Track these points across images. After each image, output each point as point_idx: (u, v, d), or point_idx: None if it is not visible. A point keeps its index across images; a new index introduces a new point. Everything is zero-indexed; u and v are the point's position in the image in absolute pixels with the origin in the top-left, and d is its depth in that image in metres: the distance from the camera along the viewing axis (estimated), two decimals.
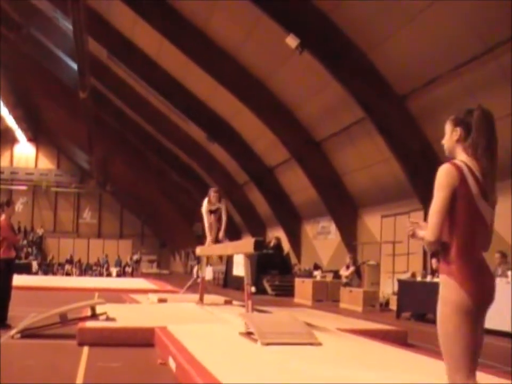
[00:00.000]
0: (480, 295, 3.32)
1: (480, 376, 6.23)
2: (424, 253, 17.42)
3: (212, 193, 12.54)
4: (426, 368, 6.45)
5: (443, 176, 3.37)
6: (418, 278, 15.37)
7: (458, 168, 3.36)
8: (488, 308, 3.42)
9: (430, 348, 9.10)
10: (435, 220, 3.36)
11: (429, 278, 14.88)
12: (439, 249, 3.43)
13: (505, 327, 11.28)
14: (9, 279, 10.79)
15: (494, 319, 11.73)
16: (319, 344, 7.53)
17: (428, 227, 3.39)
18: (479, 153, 3.41)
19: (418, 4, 13.21)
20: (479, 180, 3.36)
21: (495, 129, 3.47)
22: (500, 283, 11.91)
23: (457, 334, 3.32)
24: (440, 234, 3.36)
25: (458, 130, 3.50)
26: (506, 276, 12.30)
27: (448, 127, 3.58)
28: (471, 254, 3.36)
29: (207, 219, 12.45)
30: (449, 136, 3.56)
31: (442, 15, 13.05)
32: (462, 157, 3.46)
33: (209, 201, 12.41)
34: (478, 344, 3.38)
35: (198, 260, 40.41)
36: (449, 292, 3.34)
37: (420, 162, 16.07)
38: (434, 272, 15.17)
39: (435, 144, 15.85)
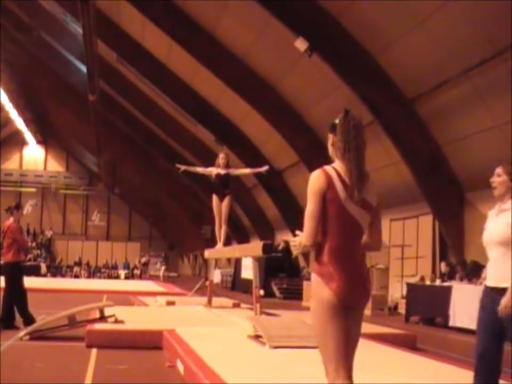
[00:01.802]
0: (347, 294, 3.44)
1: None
2: (433, 257, 17.38)
3: (221, 155, 12.30)
4: (435, 373, 6.44)
5: (312, 182, 3.54)
6: (427, 282, 15.34)
7: (326, 174, 3.53)
8: (360, 307, 3.57)
9: (439, 352, 9.09)
10: (309, 225, 3.50)
11: (438, 282, 14.84)
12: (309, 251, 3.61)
13: None
14: (20, 282, 10.85)
15: None
16: None
17: (303, 232, 3.52)
18: (345, 156, 3.56)
19: (427, 7, 13.18)
20: (347, 184, 3.50)
21: (359, 131, 3.59)
22: None
23: (323, 329, 3.50)
24: (314, 239, 3.50)
25: (331, 136, 3.67)
26: None
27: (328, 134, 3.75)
28: (341, 255, 3.48)
29: (214, 201, 12.25)
30: (329, 142, 3.73)
31: (451, 19, 13.02)
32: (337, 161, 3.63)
33: (217, 165, 12.12)
34: (349, 343, 3.54)
35: (166, 261, 40.95)
36: (317, 289, 3.50)
37: (429, 166, 16.03)
38: (443, 276, 15.14)
39: (444, 148, 15.82)
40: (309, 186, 3.53)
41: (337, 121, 3.64)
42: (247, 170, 12.42)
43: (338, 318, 3.46)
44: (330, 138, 3.67)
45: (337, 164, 3.58)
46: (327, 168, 3.57)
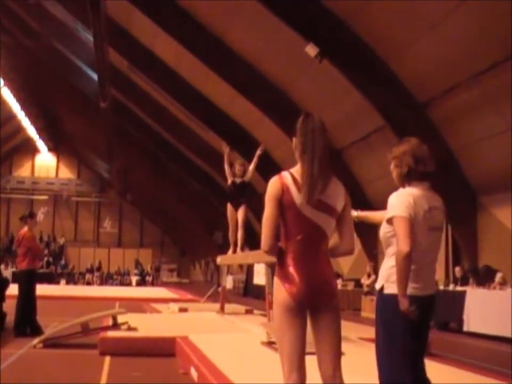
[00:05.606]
0: (305, 296, 3.51)
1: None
2: (446, 261, 17.30)
3: (237, 166, 11.89)
4: (448, 378, 6.40)
5: (268, 188, 3.61)
6: (441, 287, 15.27)
7: (281, 179, 3.59)
8: (326, 309, 3.59)
9: (453, 357, 9.04)
10: (264, 230, 3.56)
11: (451, 287, 14.77)
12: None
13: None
14: (33, 290, 10.92)
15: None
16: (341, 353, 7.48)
17: (262, 238, 3.57)
18: (303, 158, 3.61)
19: (439, 12, 13.15)
20: (302, 187, 3.52)
21: (316, 133, 3.63)
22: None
23: (280, 330, 3.64)
24: (272, 244, 3.55)
25: (294, 139, 3.72)
26: None
27: None
28: (302, 258, 3.54)
29: (229, 210, 12.00)
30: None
31: (462, 23, 12.99)
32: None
33: (233, 174, 11.79)
34: (321, 347, 3.71)
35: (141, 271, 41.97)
36: (276, 292, 3.58)
37: (441, 171, 15.95)
38: (457, 281, 15.06)
39: (456, 152, 15.77)
40: (267, 192, 3.59)
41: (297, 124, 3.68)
42: (252, 165, 12.01)
43: (294, 320, 3.55)
44: (293, 141, 3.71)
45: (296, 168, 3.62)
46: (283, 173, 3.63)
